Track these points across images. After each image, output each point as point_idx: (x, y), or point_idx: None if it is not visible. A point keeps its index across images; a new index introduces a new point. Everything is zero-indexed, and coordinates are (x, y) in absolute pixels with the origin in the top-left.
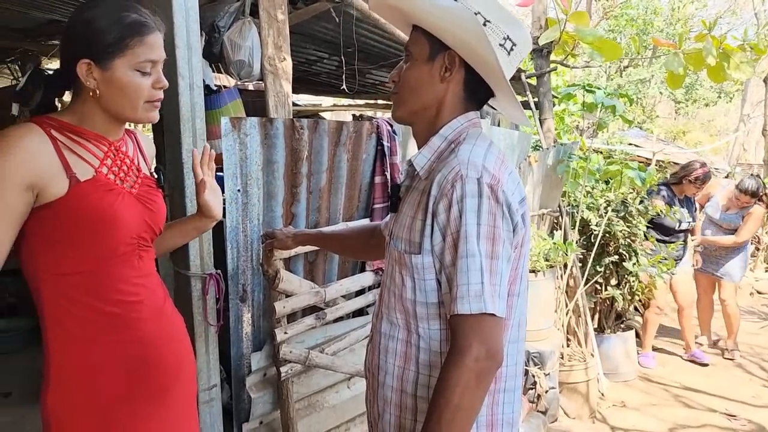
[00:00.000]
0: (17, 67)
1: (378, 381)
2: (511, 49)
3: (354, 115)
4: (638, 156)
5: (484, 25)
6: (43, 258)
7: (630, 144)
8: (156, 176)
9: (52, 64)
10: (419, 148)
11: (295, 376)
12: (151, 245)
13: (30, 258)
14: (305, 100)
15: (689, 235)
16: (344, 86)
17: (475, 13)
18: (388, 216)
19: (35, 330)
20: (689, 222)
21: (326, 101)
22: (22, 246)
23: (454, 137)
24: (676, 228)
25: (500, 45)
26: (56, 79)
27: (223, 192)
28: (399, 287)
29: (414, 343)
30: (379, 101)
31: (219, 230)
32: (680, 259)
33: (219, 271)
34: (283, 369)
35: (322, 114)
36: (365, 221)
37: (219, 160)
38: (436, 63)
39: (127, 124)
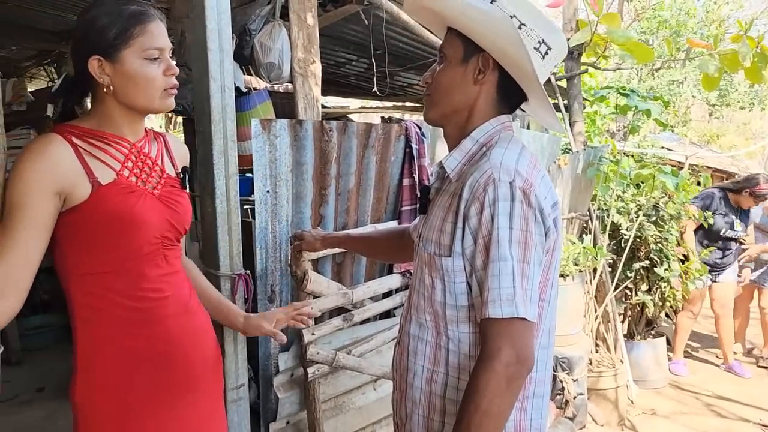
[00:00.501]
0: (53, 69)
1: (406, 382)
2: (546, 53)
3: (383, 118)
4: (670, 159)
5: (520, 28)
6: (72, 259)
7: (662, 147)
8: (181, 177)
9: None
10: (450, 150)
11: (322, 377)
12: (177, 244)
13: (60, 259)
14: (333, 102)
15: (738, 244)
16: (375, 89)
17: (511, 16)
18: (417, 218)
19: (67, 327)
20: (737, 232)
21: (354, 103)
22: (54, 248)
23: (486, 140)
24: (722, 233)
25: (535, 49)
26: (73, 86)
27: (252, 193)
28: (428, 289)
29: (443, 345)
30: (408, 103)
31: (248, 231)
32: (723, 268)
33: (248, 271)
34: (310, 370)
35: (350, 116)
36: (393, 223)
37: (249, 162)
38: (470, 65)
39: (150, 125)
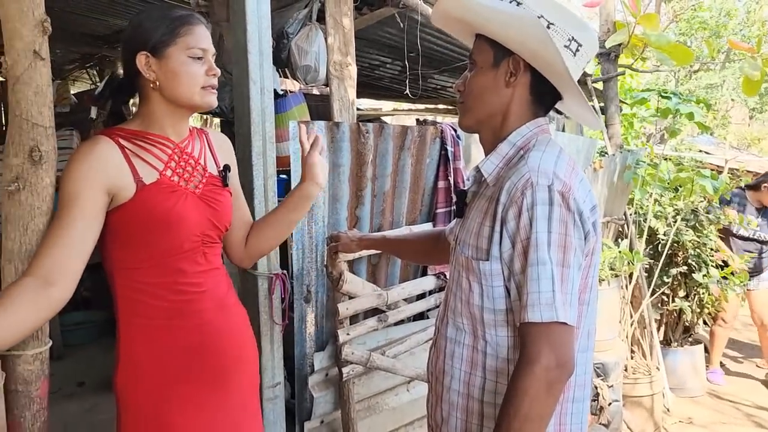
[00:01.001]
0: (95, 72)
1: (443, 385)
2: (577, 50)
3: (418, 120)
4: (709, 163)
5: (548, 27)
6: (116, 254)
7: (700, 151)
8: (222, 175)
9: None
10: (486, 154)
11: (356, 377)
12: (217, 242)
13: (106, 254)
14: (366, 104)
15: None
16: (407, 91)
17: (539, 17)
18: (453, 221)
19: (107, 322)
20: (755, 231)
21: (386, 106)
22: (101, 243)
23: (523, 144)
24: (750, 237)
25: (565, 46)
26: (123, 85)
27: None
28: (466, 293)
29: (480, 348)
30: (440, 105)
31: None
32: (757, 273)
33: (284, 271)
34: (345, 370)
35: (383, 118)
36: (428, 225)
37: (284, 163)
38: (501, 68)
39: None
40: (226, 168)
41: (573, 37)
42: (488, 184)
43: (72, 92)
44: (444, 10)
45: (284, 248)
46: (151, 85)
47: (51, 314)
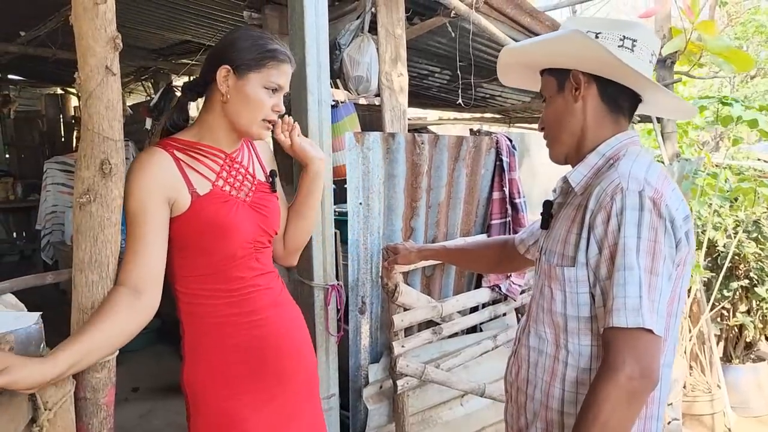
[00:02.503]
0: (150, 84)
1: (526, 394)
2: (633, 46)
3: (471, 130)
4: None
5: (596, 36)
6: (177, 262)
7: (758, 159)
8: (270, 181)
9: (178, 81)
10: (573, 167)
11: (410, 390)
12: (268, 245)
13: (167, 262)
14: (411, 113)
15: None
16: (460, 101)
17: (586, 32)
18: (523, 231)
19: (159, 330)
20: None
21: (431, 115)
22: None
23: (613, 154)
24: None
25: (619, 46)
26: (195, 85)
27: (344, 201)
28: (548, 301)
29: (562, 359)
30: (487, 114)
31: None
32: None
33: (340, 282)
34: (399, 382)
35: (430, 128)
36: (482, 236)
37: (342, 173)
38: (566, 89)
39: None
40: (273, 174)
41: (624, 36)
42: (576, 193)
43: (127, 104)
44: (505, 65)
45: (339, 260)
46: (221, 98)
47: (144, 321)
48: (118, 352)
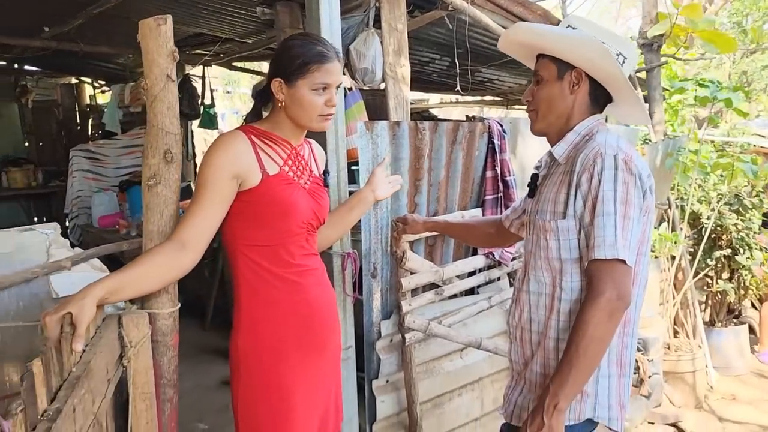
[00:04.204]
0: None
1: (530, 331)
2: (624, 62)
3: (467, 116)
4: (762, 147)
5: (602, 44)
6: (240, 233)
7: (753, 134)
8: (323, 177)
9: (193, 71)
10: (553, 145)
11: (416, 343)
12: (315, 231)
13: (231, 232)
14: (413, 96)
15: None
16: (458, 87)
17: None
18: (509, 209)
19: (183, 304)
20: None
21: (433, 97)
22: (225, 223)
23: (587, 132)
24: None
25: (616, 59)
26: (264, 92)
27: (357, 183)
28: (544, 250)
29: (557, 296)
30: (486, 97)
31: None
32: None
33: (355, 250)
34: (407, 336)
35: (432, 110)
36: (477, 211)
37: (353, 155)
38: (565, 80)
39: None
40: (326, 172)
41: (620, 52)
42: (560, 163)
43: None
44: (514, 37)
45: (354, 231)
46: (279, 104)
47: (182, 273)
48: (179, 304)
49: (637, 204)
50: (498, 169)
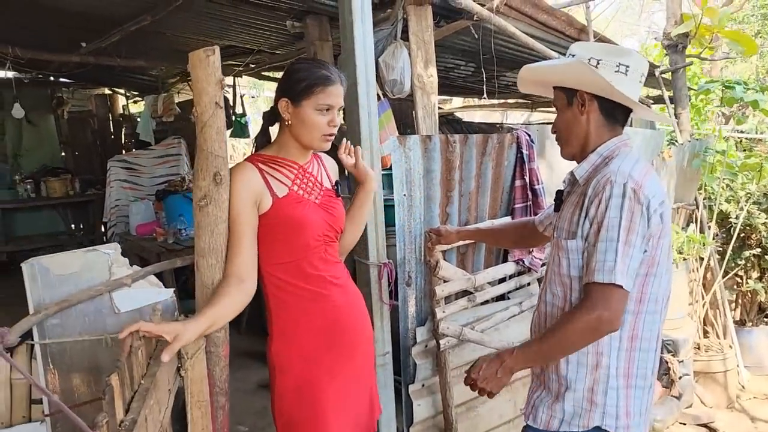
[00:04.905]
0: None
1: None
2: (627, 71)
3: (495, 125)
4: None
5: (597, 64)
6: (263, 253)
7: None
8: (335, 189)
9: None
10: (578, 163)
11: (450, 349)
12: (335, 240)
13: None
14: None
15: None
16: (485, 93)
17: (588, 59)
18: (542, 213)
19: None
20: None
21: (455, 101)
22: None
23: (608, 153)
24: None
25: (616, 71)
26: (269, 114)
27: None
28: (557, 265)
29: (566, 310)
30: (510, 100)
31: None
32: None
33: (390, 260)
34: (442, 342)
35: (456, 113)
36: (507, 219)
37: (385, 162)
38: (574, 104)
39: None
40: (338, 183)
41: (620, 63)
42: (580, 184)
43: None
44: (523, 79)
45: (389, 241)
46: (286, 123)
47: (246, 301)
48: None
49: (641, 232)
50: (527, 178)
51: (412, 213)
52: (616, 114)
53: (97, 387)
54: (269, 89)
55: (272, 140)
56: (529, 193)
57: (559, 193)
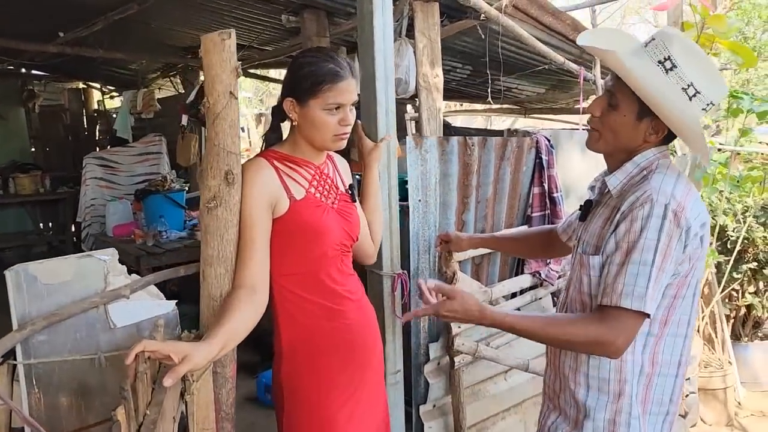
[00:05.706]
0: (178, 81)
1: (559, 360)
2: (693, 96)
3: (509, 130)
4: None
5: (694, 96)
6: (274, 262)
7: (760, 142)
8: (350, 192)
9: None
10: (610, 171)
11: (464, 366)
12: (350, 250)
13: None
14: None
15: None
16: (489, 97)
17: (688, 85)
18: (564, 222)
19: (197, 315)
20: None
21: (451, 105)
22: None
23: (647, 165)
24: None
25: (703, 110)
26: (278, 110)
27: (406, 199)
28: (578, 283)
29: None
30: (505, 105)
31: (403, 236)
32: None
33: (404, 271)
34: (456, 359)
35: (446, 118)
36: (524, 228)
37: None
38: (644, 124)
39: None
40: (352, 186)
41: (691, 83)
42: (612, 196)
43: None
44: (595, 49)
45: (404, 250)
46: (293, 123)
47: (260, 314)
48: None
49: (675, 259)
50: (545, 185)
51: (427, 220)
52: (668, 139)
53: (88, 412)
54: (246, 90)
55: (284, 137)
56: (547, 201)
57: (588, 203)
